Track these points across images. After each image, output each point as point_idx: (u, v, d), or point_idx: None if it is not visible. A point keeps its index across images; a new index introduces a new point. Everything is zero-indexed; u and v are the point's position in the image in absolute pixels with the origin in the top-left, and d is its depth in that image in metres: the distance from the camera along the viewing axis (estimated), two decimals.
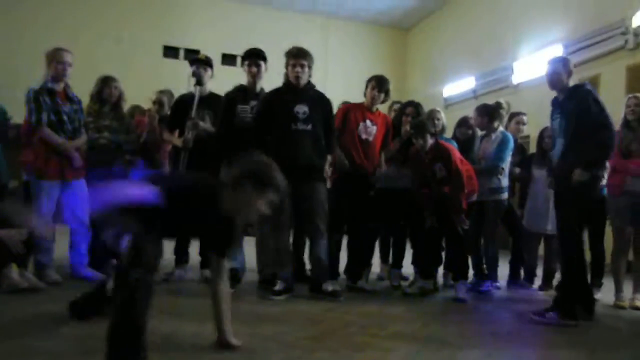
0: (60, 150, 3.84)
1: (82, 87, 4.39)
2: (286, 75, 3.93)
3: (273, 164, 2.29)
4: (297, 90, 3.82)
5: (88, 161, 4.08)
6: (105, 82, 4.43)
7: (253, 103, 4.01)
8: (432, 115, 4.57)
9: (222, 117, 4.02)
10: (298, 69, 3.78)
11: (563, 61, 3.63)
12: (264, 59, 4.11)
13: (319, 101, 3.89)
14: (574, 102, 3.47)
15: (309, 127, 3.78)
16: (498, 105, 4.69)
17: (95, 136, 4.25)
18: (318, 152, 3.83)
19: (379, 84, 4.28)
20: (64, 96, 3.94)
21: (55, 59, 3.87)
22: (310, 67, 3.84)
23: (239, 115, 3.98)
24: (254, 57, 4.08)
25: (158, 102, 4.76)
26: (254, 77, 4.07)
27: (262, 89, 4.16)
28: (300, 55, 3.80)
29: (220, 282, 2.41)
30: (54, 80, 3.88)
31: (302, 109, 3.77)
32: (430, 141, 4.05)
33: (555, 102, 3.67)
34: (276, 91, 3.96)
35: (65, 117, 3.88)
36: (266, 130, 3.80)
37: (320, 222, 3.77)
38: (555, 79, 3.57)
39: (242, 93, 4.06)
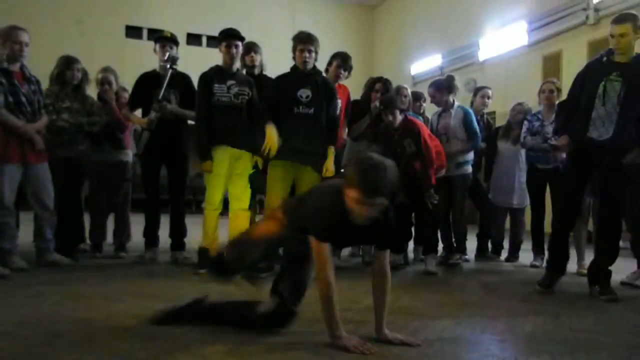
0: (20, 133, 3.71)
1: (42, 69, 4.25)
2: (293, 59, 3.95)
3: (387, 169, 2.04)
4: (302, 75, 3.85)
5: (47, 145, 3.95)
6: (67, 64, 4.28)
7: (230, 82, 3.97)
8: (400, 91, 4.59)
9: (199, 96, 3.98)
10: (306, 54, 3.82)
11: (634, 20, 3.17)
12: (242, 39, 4.06)
13: (324, 87, 3.91)
14: None
15: (312, 111, 3.81)
16: (452, 78, 4.74)
17: (53, 118, 4.12)
18: (319, 138, 3.83)
19: (344, 61, 4.35)
20: (21, 77, 3.79)
21: (11, 38, 3.71)
22: (316, 52, 3.87)
23: (215, 94, 3.93)
24: (233, 38, 4.01)
25: (107, 82, 4.59)
26: (232, 58, 4.02)
27: (238, 69, 4.13)
28: (308, 41, 3.83)
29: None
30: (9, 61, 3.73)
31: (305, 93, 3.81)
32: (399, 117, 4.08)
33: (610, 63, 3.26)
34: (283, 76, 3.98)
35: (23, 99, 3.73)
36: (274, 114, 3.81)
37: None
38: (624, 43, 3.18)
39: (218, 73, 4.01)
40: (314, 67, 3.91)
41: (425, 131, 4.15)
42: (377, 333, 2.25)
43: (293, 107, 3.79)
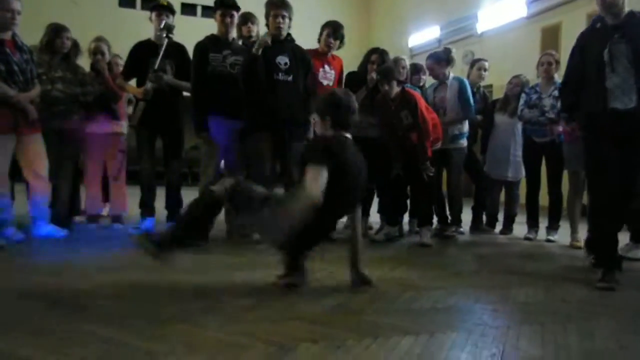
0: (13, 103, 3.66)
1: (33, 39, 4.16)
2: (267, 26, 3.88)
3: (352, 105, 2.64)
4: (279, 41, 3.78)
5: (41, 116, 3.90)
6: (57, 32, 4.20)
7: (226, 52, 3.93)
8: (398, 62, 4.54)
9: (195, 65, 3.93)
10: (280, 19, 3.76)
11: None
12: (237, 8, 3.99)
13: (299, 55, 3.86)
14: None
15: (290, 78, 3.78)
16: (450, 51, 4.70)
17: (48, 88, 4.06)
18: (299, 105, 3.80)
19: (334, 30, 4.30)
20: (13, 45, 3.71)
21: (2, 6, 3.62)
22: (290, 19, 3.79)
23: (211, 64, 3.88)
24: (229, 7, 3.94)
25: (100, 52, 4.51)
26: (227, 27, 3.95)
27: (234, 39, 4.06)
28: (281, 6, 3.76)
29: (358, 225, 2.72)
30: (0, 29, 3.65)
31: (283, 60, 3.76)
32: (396, 88, 4.05)
33: (606, 27, 3.04)
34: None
35: (15, 68, 3.66)
36: (252, 81, 3.76)
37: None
38: (611, 2, 2.99)
39: (214, 42, 3.95)
40: (289, 34, 3.84)
41: (422, 103, 4.12)
42: None
43: (272, 74, 3.74)
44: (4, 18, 3.62)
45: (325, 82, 4.26)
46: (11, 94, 3.63)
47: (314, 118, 2.69)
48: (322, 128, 2.64)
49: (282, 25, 3.75)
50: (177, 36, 4.31)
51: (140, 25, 4.49)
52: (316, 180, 2.34)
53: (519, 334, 2.02)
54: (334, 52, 4.49)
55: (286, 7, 3.76)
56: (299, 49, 3.91)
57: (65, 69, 4.21)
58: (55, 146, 4.06)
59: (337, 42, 4.36)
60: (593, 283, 2.86)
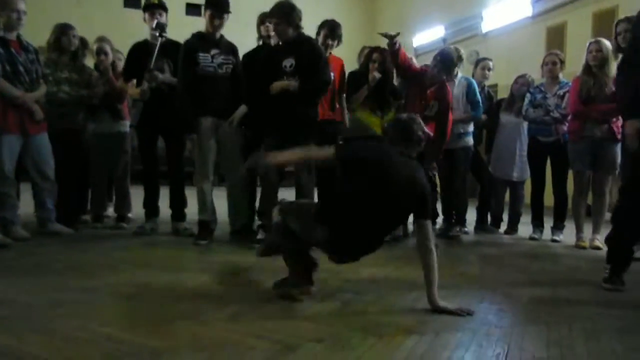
0: (19, 103, 3.68)
1: (38, 40, 4.18)
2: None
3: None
4: (286, 44, 3.73)
5: (47, 116, 3.91)
6: (63, 30, 4.21)
7: (214, 52, 3.89)
8: None
9: (182, 66, 3.88)
10: (269, 26, 3.79)
11: None
12: (229, 12, 3.95)
13: (309, 53, 3.73)
14: None
15: (295, 80, 3.70)
16: (458, 49, 4.70)
17: (53, 89, 4.08)
18: (307, 106, 3.74)
19: (331, 31, 4.26)
20: (18, 46, 3.73)
21: (8, 6, 3.64)
22: (282, 22, 3.68)
23: (200, 64, 3.87)
24: (221, 10, 3.90)
25: (103, 52, 4.50)
26: (216, 28, 3.92)
27: (221, 36, 4.01)
28: (271, 14, 3.74)
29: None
30: (6, 29, 3.66)
31: (289, 62, 3.69)
32: (442, 77, 4.06)
33: None
34: (267, 47, 3.91)
35: (21, 68, 3.68)
36: (258, 88, 3.74)
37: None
38: None
39: (202, 41, 3.92)
40: (298, 34, 3.74)
41: None
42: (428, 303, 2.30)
43: (277, 79, 3.68)
44: (10, 18, 3.64)
45: None
46: (17, 94, 3.65)
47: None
48: None
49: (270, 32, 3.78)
50: (183, 36, 4.30)
51: (144, 26, 4.48)
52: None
53: (524, 334, 2.02)
54: (333, 52, 4.44)
55: (273, 14, 3.71)
56: (309, 46, 3.76)
57: (72, 70, 4.23)
58: (61, 146, 4.07)
59: (335, 42, 4.29)
60: (599, 283, 2.85)
